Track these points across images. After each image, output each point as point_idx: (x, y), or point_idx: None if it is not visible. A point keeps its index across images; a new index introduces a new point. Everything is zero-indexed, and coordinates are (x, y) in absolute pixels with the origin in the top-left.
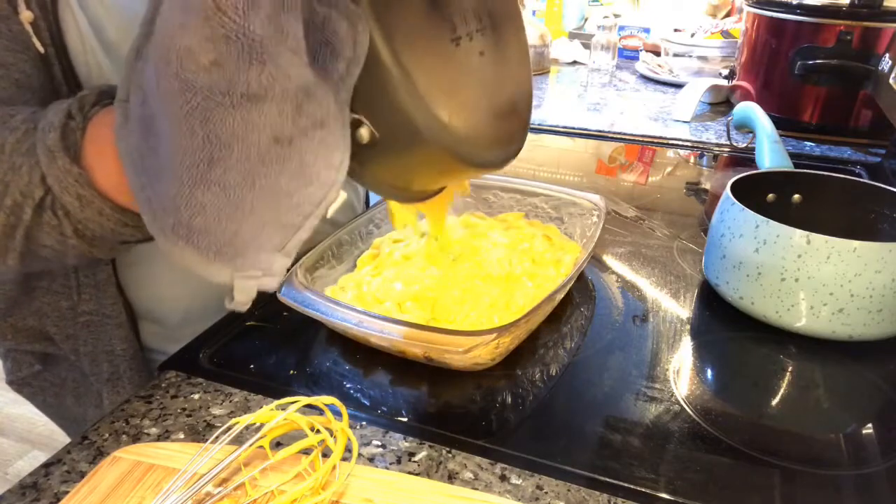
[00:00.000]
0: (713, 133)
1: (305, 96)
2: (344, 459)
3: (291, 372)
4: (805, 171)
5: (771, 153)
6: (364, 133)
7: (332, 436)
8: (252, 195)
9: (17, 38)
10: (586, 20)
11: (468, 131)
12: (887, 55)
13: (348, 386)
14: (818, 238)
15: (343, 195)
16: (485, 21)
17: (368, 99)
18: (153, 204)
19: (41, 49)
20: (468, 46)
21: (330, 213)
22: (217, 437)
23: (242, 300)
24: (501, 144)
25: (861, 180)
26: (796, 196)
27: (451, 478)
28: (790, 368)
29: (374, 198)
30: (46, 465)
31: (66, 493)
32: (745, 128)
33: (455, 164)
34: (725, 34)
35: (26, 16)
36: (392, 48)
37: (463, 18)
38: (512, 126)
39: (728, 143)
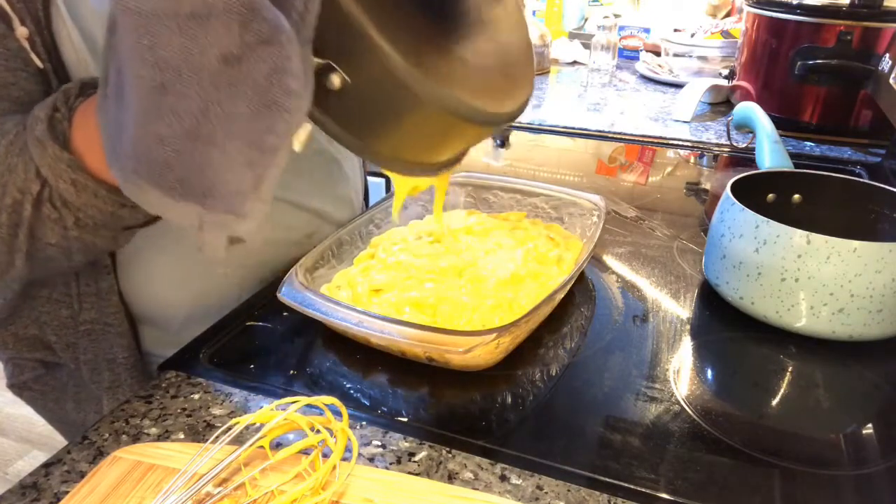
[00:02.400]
0: (713, 133)
1: (250, 12)
2: (344, 459)
3: (291, 372)
4: (805, 171)
5: (771, 153)
6: (335, 79)
7: (332, 436)
8: (209, 123)
9: (16, 56)
10: (586, 20)
11: (450, 76)
12: (887, 55)
13: (348, 386)
14: (818, 238)
15: (307, 128)
16: None
17: (336, 46)
18: (119, 156)
19: (40, 64)
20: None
21: (330, 207)
22: (217, 437)
23: (214, 243)
24: (496, 97)
25: (861, 180)
26: (796, 196)
27: (451, 478)
28: (790, 368)
29: (373, 197)
30: (46, 465)
31: (66, 493)
32: (745, 128)
33: (431, 110)
34: (725, 34)
35: (22, 32)
36: None
37: None
38: (508, 80)
39: (728, 143)
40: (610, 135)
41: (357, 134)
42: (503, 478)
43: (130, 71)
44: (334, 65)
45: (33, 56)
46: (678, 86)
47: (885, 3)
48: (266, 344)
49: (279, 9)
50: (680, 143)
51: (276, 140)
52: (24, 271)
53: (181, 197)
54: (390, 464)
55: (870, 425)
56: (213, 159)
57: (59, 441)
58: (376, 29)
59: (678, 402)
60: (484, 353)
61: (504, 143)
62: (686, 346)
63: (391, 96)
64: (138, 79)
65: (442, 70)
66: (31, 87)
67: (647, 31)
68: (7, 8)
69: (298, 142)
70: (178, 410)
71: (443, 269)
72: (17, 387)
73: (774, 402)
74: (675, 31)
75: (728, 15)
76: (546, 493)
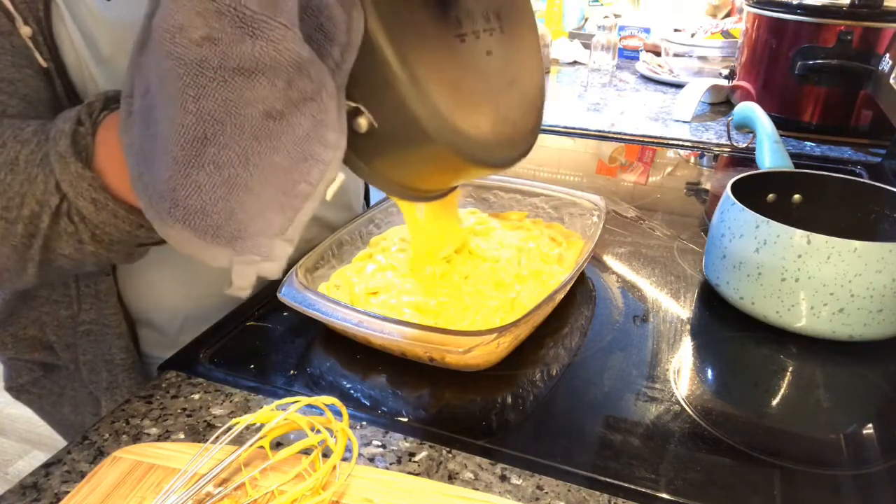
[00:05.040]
0: (713, 133)
1: (297, 71)
2: (344, 459)
3: (291, 372)
4: (805, 171)
5: (771, 153)
6: (362, 122)
7: (332, 436)
8: (247, 173)
9: (21, 53)
10: (586, 20)
11: (469, 126)
12: (887, 55)
13: (348, 386)
14: (818, 238)
15: (341, 176)
16: (493, 22)
17: (367, 89)
18: (149, 190)
19: (43, 63)
20: (474, 44)
21: (329, 213)
22: (217, 438)
23: (241, 285)
24: (506, 144)
25: (861, 180)
26: (796, 196)
27: (451, 478)
28: (790, 368)
29: (374, 198)
30: (47, 466)
31: (67, 493)
32: (746, 128)
33: (452, 158)
34: (726, 34)
35: (25, 31)
36: (390, 38)
37: (469, 16)
38: (518, 126)
39: (728, 143)
40: (610, 135)
41: (368, 164)
42: (503, 478)
43: (170, 116)
44: (363, 108)
45: (37, 55)
46: (678, 86)
47: (885, 3)
48: (266, 344)
49: (318, 56)
50: (680, 143)
51: (309, 188)
52: (34, 279)
53: (213, 240)
54: (390, 464)
55: (870, 425)
56: (248, 205)
57: (60, 441)
58: (409, 78)
59: (678, 402)
60: (484, 352)
61: None
62: (686, 346)
63: (410, 138)
64: (179, 126)
65: (464, 119)
66: (37, 84)
67: (647, 31)
68: (10, 7)
69: (331, 191)
70: (179, 410)
71: (444, 272)
72: (14, 389)
73: (774, 402)
74: (676, 31)
75: (728, 15)
76: (546, 493)
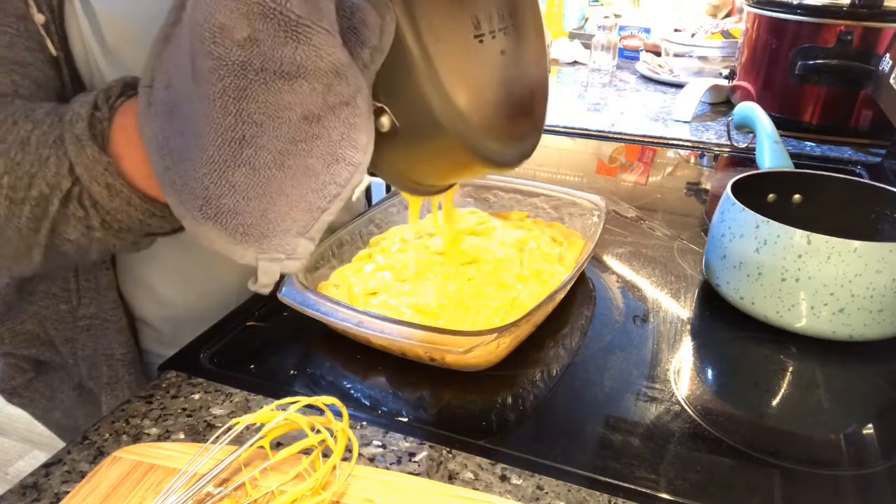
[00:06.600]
0: (713, 133)
1: (336, 75)
2: (344, 459)
3: (291, 372)
4: (805, 171)
5: (771, 153)
6: (385, 121)
7: (332, 436)
8: (281, 175)
9: (34, 38)
10: (586, 20)
11: (485, 126)
12: (887, 55)
13: (348, 386)
14: (819, 238)
15: (367, 179)
16: (507, 21)
17: (391, 88)
18: (177, 185)
19: (54, 52)
20: (490, 44)
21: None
22: (217, 438)
23: (265, 282)
24: (515, 142)
25: (861, 180)
26: (797, 196)
27: (451, 478)
28: (790, 368)
29: (374, 198)
30: (47, 466)
31: (67, 493)
32: (746, 128)
33: (469, 158)
34: (726, 34)
35: (38, 18)
36: (418, 40)
37: (487, 16)
38: (526, 125)
39: (728, 143)
40: (610, 135)
41: (382, 160)
42: (503, 478)
43: (207, 115)
44: (386, 108)
45: (49, 43)
46: (678, 86)
47: (885, 3)
48: (266, 344)
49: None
50: (680, 143)
51: (337, 189)
52: (38, 266)
53: (242, 239)
54: (391, 464)
55: (870, 425)
56: (278, 205)
57: (60, 441)
58: (435, 80)
59: (678, 403)
60: (484, 352)
61: None
62: (686, 346)
63: (429, 138)
64: (217, 126)
65: (484, 121)
66: (47, 70)
67: (647, 31)
68: None
69: (358, 191)
70: (179, 410)
71: (446, 273)
72: (7, 392)
73: (774, 402)
74: (676, 31)
75: (728, 15)
76: (546, 493)
